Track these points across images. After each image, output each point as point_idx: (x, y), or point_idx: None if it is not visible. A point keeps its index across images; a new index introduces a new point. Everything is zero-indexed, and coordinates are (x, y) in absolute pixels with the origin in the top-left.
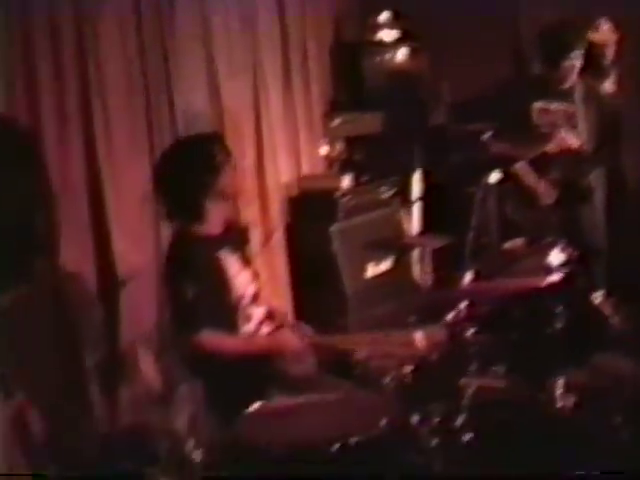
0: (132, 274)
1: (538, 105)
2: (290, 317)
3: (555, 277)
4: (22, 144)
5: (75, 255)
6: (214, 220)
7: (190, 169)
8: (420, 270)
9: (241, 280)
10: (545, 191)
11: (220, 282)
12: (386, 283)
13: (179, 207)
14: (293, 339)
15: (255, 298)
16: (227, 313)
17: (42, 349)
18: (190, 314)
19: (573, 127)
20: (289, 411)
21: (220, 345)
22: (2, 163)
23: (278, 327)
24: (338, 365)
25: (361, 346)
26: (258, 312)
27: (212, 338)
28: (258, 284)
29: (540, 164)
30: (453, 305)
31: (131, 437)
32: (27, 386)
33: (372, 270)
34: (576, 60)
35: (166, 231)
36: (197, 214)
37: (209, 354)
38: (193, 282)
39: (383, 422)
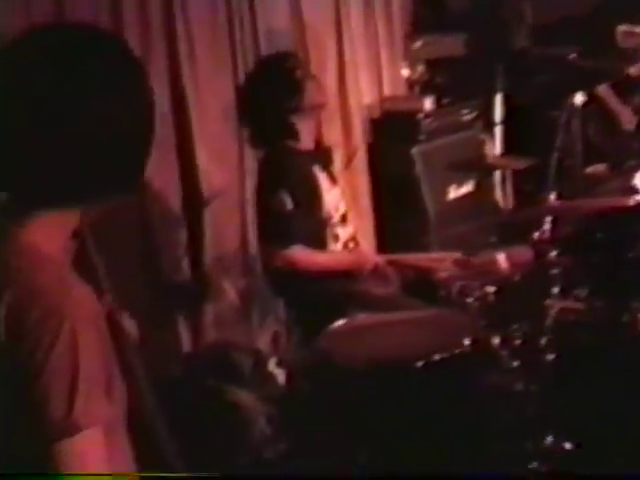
0: (216, 193)
1: (622, 28)
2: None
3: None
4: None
5: (160, 173)
6: (305, 136)
7: (274, 88)
8: (502, 193)
9: (331, 198)
10: (627, 116)
11: (314, 197)
12: (468, 205)
13: (270, 126)
14: (375, 256)
15: (344, 218)
16: (317, 230)
17: (128, 264)
18: (286, 227)
19: None
20: (372, 328)
21: (306, 261)
22: (99, 65)
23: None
24: (421, 286)
25: (443, 265)
26: (345, 232)
27: (300, 254)
28: (345, 204)
29: (623, 88)
30: (536, 225)
31: (214, 355)
32: (117, 295)
33: (454, 192)
34: None
35: (250, 151)
36: (289, 131)
37: (294, 271)
38: (291, 194)
39: (466, 341)
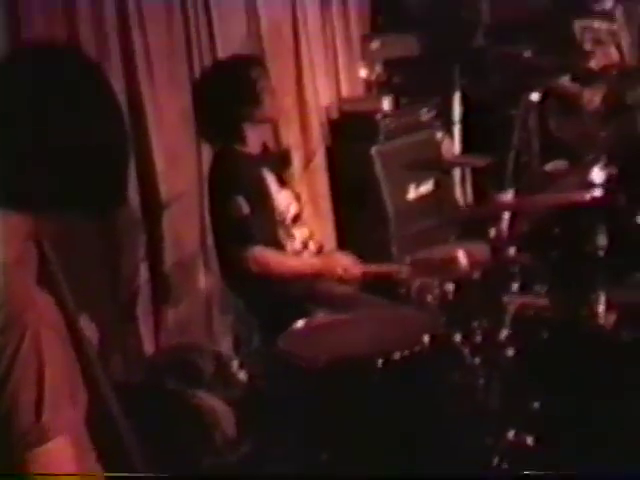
0: (174, 196)
1: (581, 23)
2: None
3: (596, 193)
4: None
5: None
6: (253, 141)
7: (231, 96)
8: (461, 191)
9: (282, 199)
10: (588, 96)
11: (264, 199)
12: (428, 204)
13: (219, 128)
14: (347, 262)
15: (296, 219)
16: (271, 231)
17: (87, 268)
18: (246, 229)
19: (617, 44)
20: (332, 328)
21: (279, 263)
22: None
23: (321, 249)
24: (381, 284)
25: (406, 269)
26: (301, 233)
27: (267, 255)
28: (299, 205)
29: (584, 79)
30: (493, 222)
31: (176, 358)
32: (77, 301)
33: (414, 192)
34: None
35: (207, 153)
36: (237, 136)
37: (255, 272)
38: (245, 197)
39: (426, 338)
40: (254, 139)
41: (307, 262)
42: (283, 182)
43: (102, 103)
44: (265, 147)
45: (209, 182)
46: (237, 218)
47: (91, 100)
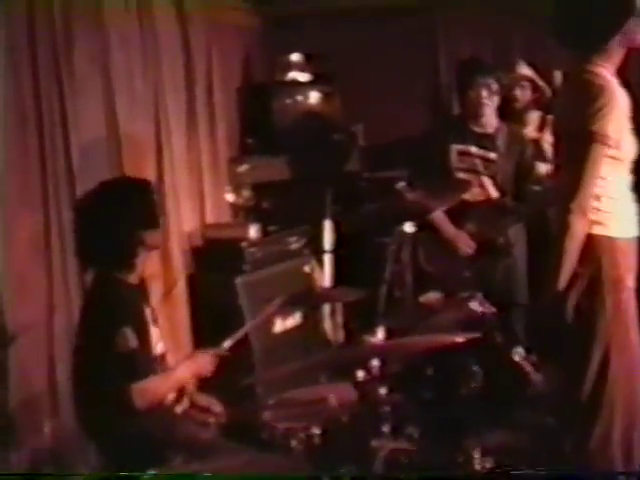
0: (22, 329)
1: (457, 147)
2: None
3: (470, 334)
4: None
5: None
6: (139, 269)
7: (131, 218)
8: (331, 325)
9: (154, 335)
10: (464, 241)
11: (145, 334)
12: (295, 338)
13: (108, 254)
14: (209, 361)
15: (163, 358)
16: (147, 368)
17: None
18: (133, 364)
19: (492, 175)
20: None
21: (154, 390)
22: None
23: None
24: (243, 428)
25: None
26: None
27: (149, 386)
28: (164, 343)
29: (458, 213)
30: (364, 363)
31: None
32: None
33: (280, 325)
34: (482, 89)
35: (59, 284)
36: (127, 263)
37: (138, 408)
38: (132, 329)
39: None
40: (140, 267)
41: (177, 376)
42: (156, 318)
43: None
44: (140, 278)
45: (85, 313)
46: (124, 352)
47: None
